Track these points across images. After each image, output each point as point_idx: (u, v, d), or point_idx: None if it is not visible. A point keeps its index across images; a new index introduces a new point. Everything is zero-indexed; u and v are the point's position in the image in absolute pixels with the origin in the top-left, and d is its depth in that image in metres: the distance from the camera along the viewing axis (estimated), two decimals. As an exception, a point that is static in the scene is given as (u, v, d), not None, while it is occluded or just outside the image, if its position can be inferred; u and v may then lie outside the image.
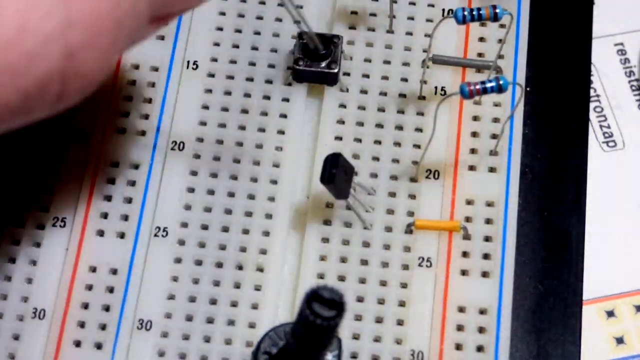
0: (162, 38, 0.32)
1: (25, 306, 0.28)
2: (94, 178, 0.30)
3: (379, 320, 0.28)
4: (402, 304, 0.29)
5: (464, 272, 0.29)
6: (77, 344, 0.28)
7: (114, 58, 0.21)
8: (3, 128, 0.20)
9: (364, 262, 0.29)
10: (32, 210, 0.29)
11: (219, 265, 0.29)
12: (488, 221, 0.30)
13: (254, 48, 0.32)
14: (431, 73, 0.32)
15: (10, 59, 0.20)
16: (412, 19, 0.33)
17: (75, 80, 0.21)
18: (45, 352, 0.28)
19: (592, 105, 0.34)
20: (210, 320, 0.28)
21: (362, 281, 0.29)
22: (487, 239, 0.29)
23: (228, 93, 0.31)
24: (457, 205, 0.30)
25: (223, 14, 0.32)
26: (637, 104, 0.34)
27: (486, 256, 0.29)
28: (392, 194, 0.30)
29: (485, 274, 0.29)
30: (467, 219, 0.30)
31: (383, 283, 0.29)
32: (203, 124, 0.31)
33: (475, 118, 0.31)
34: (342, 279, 0.29)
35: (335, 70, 0.31)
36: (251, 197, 0.30)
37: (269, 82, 0.31)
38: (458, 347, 0.28)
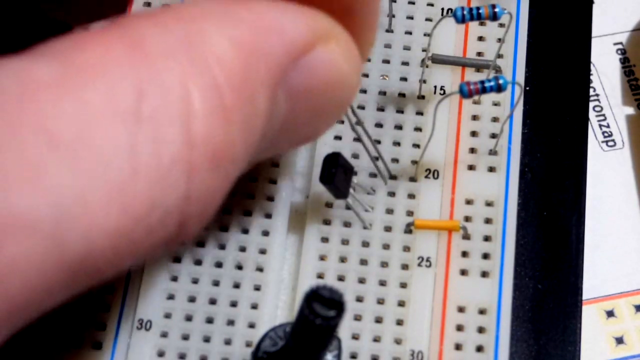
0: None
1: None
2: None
3: (378, 320, 0.28)
4: (401, 303, 0.28)
5: (463, 272, 0.29)
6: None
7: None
8: (105, 277, 0.21)
9: (364, 262, 0.29)
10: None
11: (219, 264, 0.29)
12: (487, 221, 0.30)
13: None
14: (430, 72, 0.32)
15: (134, 234, 0.20)
16: (411, 18, 0.32)
17: (178, 241, 0.21)
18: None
19: (591, 104, 0.34)
20: (209, 320, 0.28)
21: (362, 281, 0.29)
22: (487, 238, 0.29)
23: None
24: (457, 205, 0.30)
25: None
26: (636, 103, 0.34)
27: (486, 256, 0.29)
28: (392, 194, 0.30)
29: (484, 274, 0.29)
30: (467, 219, 0.30)
31: (382, 283, 0.29)
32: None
33: (475, 117, 0.31)
34: (341, 278, 0.29)
35: (335, 70, 0.31)
36: (250, 196, 0.30)
37: (268, 81, 0.31)
38: (457, 347, 0.28)
